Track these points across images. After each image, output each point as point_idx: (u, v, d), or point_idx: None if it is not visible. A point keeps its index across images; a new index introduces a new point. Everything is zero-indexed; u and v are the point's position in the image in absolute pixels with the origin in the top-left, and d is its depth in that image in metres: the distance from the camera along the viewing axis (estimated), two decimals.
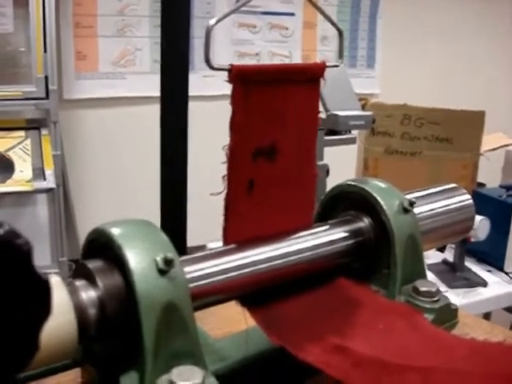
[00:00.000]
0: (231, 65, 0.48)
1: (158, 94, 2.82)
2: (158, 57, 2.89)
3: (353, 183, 0.61)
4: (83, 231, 2.73)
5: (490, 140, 2.37)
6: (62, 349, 0.41)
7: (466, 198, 0.70)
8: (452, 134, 2.16)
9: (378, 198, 0.58)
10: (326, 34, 3.31)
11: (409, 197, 0.61)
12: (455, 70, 3.59)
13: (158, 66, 2.89)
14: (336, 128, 1.76)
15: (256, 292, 0.52)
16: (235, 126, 0.50)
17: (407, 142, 2.17)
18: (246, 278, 0.51)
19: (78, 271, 0.44)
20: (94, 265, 0.43)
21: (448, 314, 0.57)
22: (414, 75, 3.47)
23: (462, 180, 2.06)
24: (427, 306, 0.55)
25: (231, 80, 0.49)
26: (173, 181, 1.56)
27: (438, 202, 0.67)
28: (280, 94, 0.52)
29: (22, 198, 2.61)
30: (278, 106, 0.52)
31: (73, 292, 0.42)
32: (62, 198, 2.47)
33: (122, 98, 2.88)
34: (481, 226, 1.85)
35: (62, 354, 0.41)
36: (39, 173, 2.35)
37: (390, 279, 0.58)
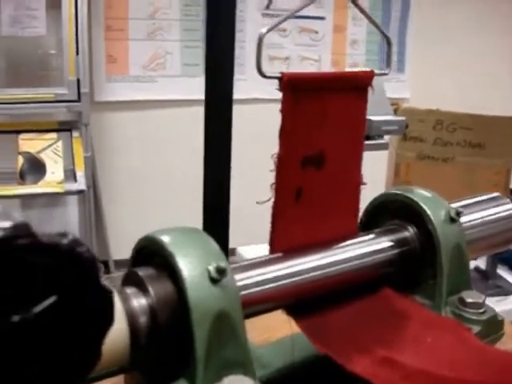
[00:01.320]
0: (282, 73, 0.48)
1: (188, 97, 2.86)
2: (189, 60, 2.93)
3: (398, 192, 0.60)
4: (112, 233, 2.76)
5: None
6: (113, 356, 0.41)
7: (509, 208, 0.69)
8: (485, 140, 2.14)
9: (425, 207, 0.57)
10: (355, 37, 3.30)
11: (454, 206, 0.60)
12: (485, 74, 3.55)
13: (188, 70, 2.93)
14: (369, 133, 1.74)
15: (301, 301, 0.52)
16: (285, 134, 0.49)
17: (439, 148, 2.15)
18: (294, 287, 0.51)
19: (128, 279, 0.45)
20: (144, 272, 0.43)
21: (495, 326, 0.56)
22: (443, 79, 3.44)
23: (494, 187, 2.03)
24: (474, 317, 0.55)
25: (282, 88, 0.48)
26: (216, 183, 1.56)
27: (482, 212, 0.66)
28: (329, 102, 0.52)
29: (53, 200, 2.64)
30: (326, 114, 0.52)
31: (124, 300, 0.42)
32: (92, 200, 2.49)
33: (152, 100, 2.90)
34: None
35: (113, 362, 0.41)
36: (70, 174, 2.37)
37: (435, 290, 0.57)
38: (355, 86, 0.53)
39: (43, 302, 0.27)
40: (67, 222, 2.64)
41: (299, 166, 0.51)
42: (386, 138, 1.83)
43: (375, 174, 1.67)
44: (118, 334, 0.40)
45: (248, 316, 0.48)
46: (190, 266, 0.41)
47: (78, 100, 2.45)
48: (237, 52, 3.02)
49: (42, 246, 0.27)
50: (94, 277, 0.28)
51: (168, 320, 0.42)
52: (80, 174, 2.36)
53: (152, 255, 0.46)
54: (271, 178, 0.51)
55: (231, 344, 0.42)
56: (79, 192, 2.35)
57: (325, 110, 0.51)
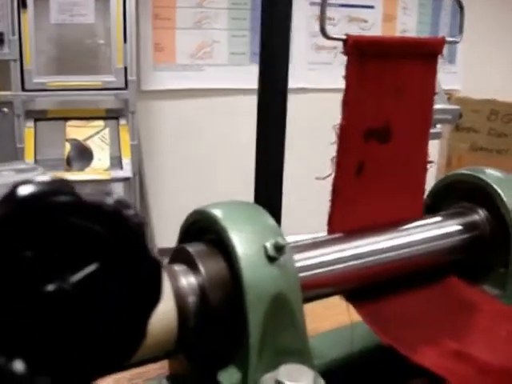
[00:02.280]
0: (347, 35, 0.44)
1: (235, 85, 2.82)
2: (236, 49, 2.90)
3: (467, 172, 0.55)
4: (158, 220, 2.75)
5: None
6: (160, 338, 0.37)
7: None
8: None
9: (497, 189, 0.52)
10: (405, 27, 3.21)
11: None
12: None
13: (235, 58, 2.90)
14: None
15: (362, 286, 0.48)
16: (348, 101, 0.45)
17: (494, 139, 2.07)
18: (355, 270, 0.46)
19: (176, 256, 0.41)
20: (194, 249, 0.40)
21: None
22: (496, 70, 3.33)
23: None
24: None
25: (346, 52, 0.44)
26: (268, 175, 1.52)
27: None
28: (396, 69, 0.47)
29: (99, 187, 2.64)
30: (393, 82, 0.47)
31: (172, 277, 0.38)
32: (138, 187, 2.48)
33: (199, 89, 2.87)
34: None
35: (159, 344, 0.38)
36: (117, 162, 2.37)
37: (507, 279, 0.52)
38: (425, 53, 0.49)
39: (82, 270, 0.23)
40: None
41: (362, 139, 0.47)
42: (439, 127, 1.76)
43: None
44: (164, 314, 0.37)
45: (306, 300, 0.44)
46: (245, 242, 0.38)
47: (125, 88, 2.44)
48: None
49: (84, 206, 0.23)
50: (141, 244, 0.24)
51: (219, 301, 0.39)
52: (126, 161, 2.36)
53: (203, 231, 0.42)
54: (321, 169, 0.47)
55: (289, 330, 0.38)
56: (125, 179, 2.34)
57: (392, 78, 0.47)
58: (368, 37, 0.45)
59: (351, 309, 0.48)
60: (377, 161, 0.49)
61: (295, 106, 2.50)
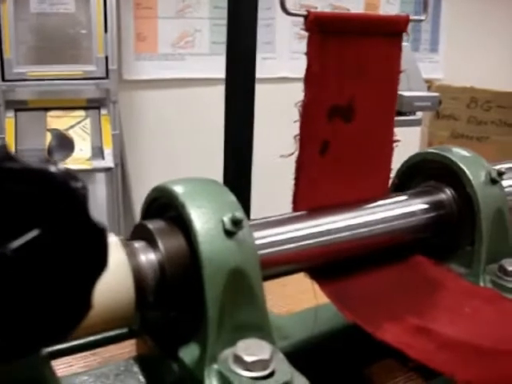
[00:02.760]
0: (308, 10, 0.43)
1: (217, 75, 2.81)
2: (218, 38, 2.89)
3: (434, 151, 0.55)
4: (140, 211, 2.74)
5: None
6: (118, 314, 0.37)
7: None
8: None
9: (463, 167, 0.53)
10: None
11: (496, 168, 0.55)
12: None
13: (217, 48, 2.88)
14: (400, 109, 1.69)
15: (326, 264, 0.48)
16: (310, 78, 0.45)
17: (473, 127, 2.08)
18: (318, 248, 0.46)
19: (136, 232, 0.41)
20: (154, 225, 0.40)
21: None
22: (479, 60, 3.34)
23: None
24: None
25: (307, 28, 0.44)
26: (237, 163, 1.53)
27: None
28: (359, 47, 0.47)
29: (80, 177, 2.63)
30: (356, 60, 0.47)
31: (131, 254, 0.38)
32: (120, 178, 2.47)
33: (181, 79, 2.86)
34: None
35: (118, 320, 0.38)
36: (98, 152, 2.36)
37: (473, 257, 0.52)
38: (389, 32, 0.48)
39: (23, 236, 0.23)
40: (95, 200, 2.63)
41: (326, 117, 0.47)
42: (419, 114, 1.77)
43: (407, 153, 1.62)
44: (122, 290, 0.37)
45: (267, 278, 0.44)
46: (203, 216, 0.37)
47: (107, 77, 2.43)
48: (265, 30, 2.98)
49: (23, 171, 0.23)
50: (83, 211, 0.24)
51: (178, 277, 0.38)
52: (108, 151, 2.35)
53: (164, 208, 0.42)
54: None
55: (247, 305, 0.38)
56: (107, 169, 2.33)
57: (355, 56, 0.47)
58: (329, 13, 0.45)
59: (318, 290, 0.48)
60: (341, 140, 0.49)
61: (278, 96, 2.50)
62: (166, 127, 2.83)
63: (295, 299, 0.64)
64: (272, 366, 0.36)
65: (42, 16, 2.48)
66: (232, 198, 0.40)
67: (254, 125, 1.77)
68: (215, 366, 0.37)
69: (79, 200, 0.24)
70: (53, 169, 0.24)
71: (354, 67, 0.47)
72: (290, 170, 0.48)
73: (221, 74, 2.76)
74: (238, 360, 0.36)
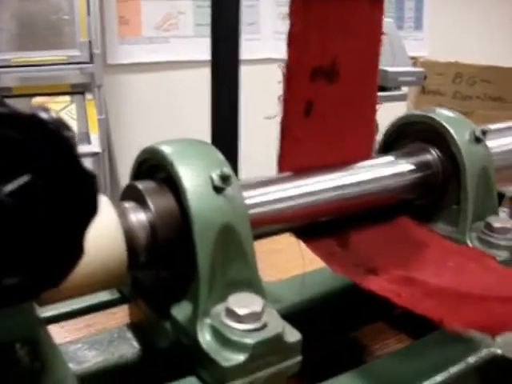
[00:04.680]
0: None
1: (202, 57, 2.80)
2: (202, 20, 2.87)
3: (419, 113, 0.56)
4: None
5: None
6: (110, 273, 0.38)
7: None
8: (505, 93, 2.08)
9: (448, 127, 0.53)
10: None
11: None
12: (506, 28, 3.45)
13: (201, 30, 2.87)
14: (385, 84, 1.69)
15: (313, 224, 0.49)
16: (293, 38, 0.45)
17: (459, 102, 2.09)
18: (305, 208, 0.47)
19: (126, 193, 0.41)
20: (144, 186, 0.40)
21: None
22: (463, 36, 3.35)
23: None
24: (502, 243, 0.51)
25: None
26: (224, 145, 1.53)
27: (509, 137, 0.61)
28: (342, 8, 0.47)
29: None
30: (339, 21, 0.47)
31: (121, 214, 0.38)
32: (107, 162, 2.47)
33: (166, 62, 2.85)
34: None
35: (110, 280, 0.38)
36: (85, 137, 2.35)
37: (459, 215, 0.53)
38: None
39: (15, 181, 0.23)
40: None
41: (309, 77, 0.47)
42: (404, 90, 1.78)
43: None
44: (114, 249, 0.37)
45: (255, 237, 0.44)
46: (192, 174, 0.38)
47: (91, 61, 2.42)
48: (249, 11, 2.96)
49: (13, 117, 0.23)
50: (73, 157, 0.25)
51: (169, 235, 0.39)
52: (94, 136, 2.34)
53: (153, 170, 0.42)
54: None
55: (238, 261, 0.39)
56: (94, 154, 2.33)
57: (337, 16, 0.47)
58: None
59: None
60: (325, 100, 0.49)
61: (263, 77, 2.50)
62: (151, 111, 2.82)
63: (282, 269, 0.64)
64: (264, 318, 0.37)
65: (23, 2, 2.46)
66: (220, 156, 0.40)
67: (239, 106, 1.77)
68: (208, 321, 0.37)
69: (70, 147, 0.24)
70: (44, 116, 0.24)
71: (337, 28, 0.47)
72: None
73: (206, 56, 2.77)
74: (230, 313, 0.36)
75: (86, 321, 0.65)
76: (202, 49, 2.86)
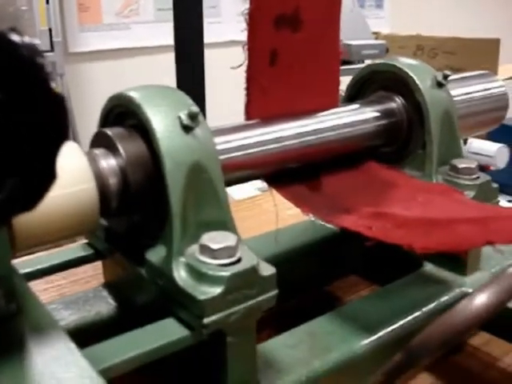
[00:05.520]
0: None
1: (164, 42, 2.79)
2: (162, 5, 2.85)
3: (382, 61, 0.57)
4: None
5: (505, 70, 2.30)
6: (82, 219, 0.38)
7: (498, 85, 0.66)
8: (467, 64, 2.10)
9: (411, 73, 0.54)
10: None
11: None
12: (467, 3, 3.49)
13: (162, 15, 2.85)
14: (349, 58, 1.71)
15: (283, 170, 0.49)
16: None
17: None
18: (274, 154, 0.47)
19: (95, 141, 0.41)
20: (113, 132, 0.40)
21: (489, 193, 0.53)
22: (423, 14, 3.38)
23: None
24: (468, 182, 0.52)
25: None
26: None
27: (471, 87, 0.63)
28: None
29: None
30: None
31: (92, 160, 0.39)
32: None
33: (127, 48, 2.82)
34: (499, 153, 1.80)
35: (83, 225, 0.38)
36: None
37: (425, 159, 0.54)
38: None
39: None
40: None
41: (272, 26, 0.48)
42: (367, 63, 1.79)
43: None
44: (86, 194, 0.37)
45: (227, 184, 0.45)
46: (160, 115, 0.38)
47: (51, 50, 2.39)
48: None
49: None
50: (42, 77, 0.25)
51: (140, 180, 0.39)
52: None
53: (121, 118, 0.42)
54: None
55: (210, 201, 0.39)
56: None
57: None
58: None
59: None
60: (290, 49, 0.49)
61: (226, 60, 2.50)
62: None
63: (258, 231, 0.65)
64: (238, 253, 0.37)
65: None
66: (187, 98, 0.40)
67: (205, 90, 1.77)
68: (182, 259, 0.37)
69: (41, 70, 0.24)
70: (17, 39, 0.24)
71: None
72: None
73: (168, 41, 2.76)
74: (205, 249, 0.37)
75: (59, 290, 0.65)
76: (163, 33, 2.84)
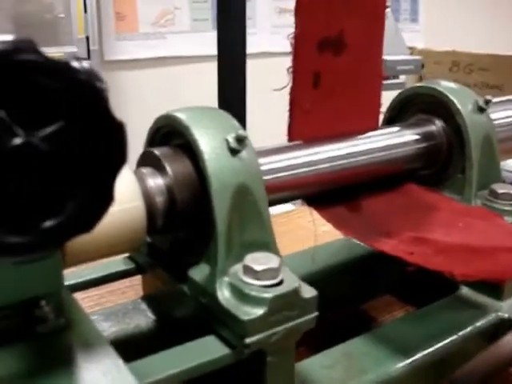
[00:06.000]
0: None
1: (199, 52, 2.82)
2: (198, 15, 2.88)
3: (423, 84, 0.57)
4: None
5: None
6: (130, 237, 0.39)
7: None
8: (502, 81, 2.08)
9: (451, 97, 0.55)
10: None
11: None
12: (503, 19, 3.46)
13: (197, 25, 2.88)
14: (384, 73, 1.71)
15: (324, 191, 0.50)
16: (300, 10, 0.46)
17: None
18: (315, 175, 0.48)
19: (143, 160, 0.42)
20: (161, 151, 0.41)
21: None
22: (460, 29, 3.36)
23: None
24: (507, 208, 0.52)
25: None
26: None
27: (511, 110, 0.63)
28: None
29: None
30: None
31: (140, 179, 0.40)
32: None
33: (163, 58, 2.85)
34: None
35: (130, 243, 0.39)
36: None
37: (465, 184, 0.54)
38: None
39: (49, 127, 0.25)
40: None
41: (316, 49, 0.48)
42: (402, 78, 1.79)
43: None
44: (134, 213, 0.38)
45: (270, 203, 0.45)
46: (208, 136, 0.39)
47: (88, 58, 2.42)
48: (247, 5, 2.97)
49: (48, 65, 0.24)
50: (104, 106, 0.26)
51: (187, 199, 0.40)
52: None
53: (169, 137, 0.43)
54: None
55: (254, 222, 0.40)
56: None
57: None
58: None
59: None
60: (332, 72, 0.50)
61: (261, 70, 2.51)
62: (149, 106, 2.83)
63: (292, 249, 0.65)
64: (280, 275, 0.38)
65: (18, 3, 2.47)
66: (234, 121, 0.41)
67: (246, 100, 1.78)
68: (226, 279, 0.38)
69: (100, 96, 0.25)
70: (76, 65, 0.25)
71: (343, 0, 0.49)
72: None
73: (204, 51, 2.78)
74: (248, 270, 0.37)
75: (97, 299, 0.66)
76: (199, 43, 2.87)
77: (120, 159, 0.27)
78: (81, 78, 0.25)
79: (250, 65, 2.61)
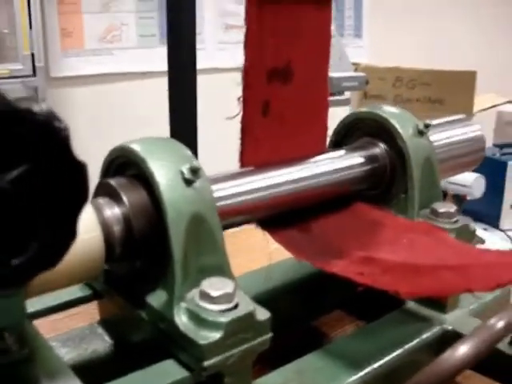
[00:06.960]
0: None
1: (146, 69, 2.81)
2: (144, 31, 2.89)
3: (366, 110, 0.60)
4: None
5: (482, 101, 2.36)
6: (89, 266, 0.40)
7: (476, 129, 0.70)
8: (444, 95, 2.15)
9: (393, 122, 0.58)
10: None
11: None
12: (444, 34, 3.57)
13: (144, 41, 2.88)
14: (329, 90, 1.74)
15: (276, 214, 0.52)
16: (249, 43, 0.49)
17: (400, 105, 2.15)
18: (267, 200, 0.50)
19: (99, 190, 0.44)
20: (116, 182, 0.42)
21: (467, 235, 0.56)
22: (402, 44, 3.44)
23: None
24: (447, 226, 0.55)
25: None
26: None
27: (450, 131, 0.66)
28: (293, 13, 0.51)
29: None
30: (291, 25, 0.51)
31: (97, 209, 0.41)
32: None
33: (110, 74, 2.84)
34: (476, 183, 1.84)
35: (88, 272, 0.41)
36: None
37: (407, 203, 0.57)
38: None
39: (15, 170, 0.26)
40: None
41: (265, 79, 0.51)
42: (347, 94, 1.83)
43: None
44: (92, 243, 0.40)
45: (224, 228, 0.47)
46: (163, 168, 0.41)
47: (34, 75, 2.40)
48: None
49: (12, 113, 0.26)
50: (67, 148, 0.27)
51: (143, 228, 0.41)
52: None
53: (123, 168, 0.45)
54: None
55: (209, 249, 0.42)
56: None
57: (289, 21, 0.51)
58: None
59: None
60: (281, 100, 0.52)
61: (209, 86, 2.53)
62: (96, 123, 2.81)
63: (246, 268, 0.67)
64: (236, 299, 0.40)
65: None
66: (188, 151, 0.43)
67: (197, 116, 1.79)
68: (183, 304, 0.40)
69: (62, 138, 0.27)
70: (36, 108, 0.26)
71: (289, 32, 0.51)
72: None
73: (151, 67, 2.78)
74: (204, 296, 0.39)
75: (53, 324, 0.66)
76: (146, 59, 2.87)
77: (82, 198, 0.28)
78: (40, 120, 0.26)
79: (200, 80, 2.63)
